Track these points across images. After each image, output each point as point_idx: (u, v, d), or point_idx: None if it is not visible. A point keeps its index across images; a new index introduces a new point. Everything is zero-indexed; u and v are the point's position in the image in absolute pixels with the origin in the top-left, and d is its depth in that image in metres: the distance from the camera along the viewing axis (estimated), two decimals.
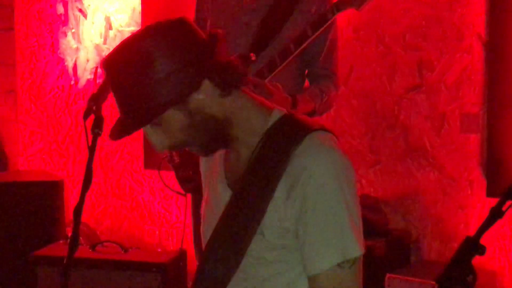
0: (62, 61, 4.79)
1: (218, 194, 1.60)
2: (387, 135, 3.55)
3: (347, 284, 1.45)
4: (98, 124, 2.07)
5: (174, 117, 1.44)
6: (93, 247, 3.32)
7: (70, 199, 4.35)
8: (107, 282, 3.20)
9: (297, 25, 2.83)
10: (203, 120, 1.47)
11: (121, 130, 1.49)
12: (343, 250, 1.42)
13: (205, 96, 1.46)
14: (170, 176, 3.19)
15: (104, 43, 4.58)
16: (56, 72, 4.83)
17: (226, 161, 1.61)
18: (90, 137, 2.04)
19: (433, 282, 2.80)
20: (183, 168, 3.11)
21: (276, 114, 1.53)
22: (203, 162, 1.76)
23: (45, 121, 4.79)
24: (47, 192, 4.03)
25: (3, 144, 5.14)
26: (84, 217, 1.96)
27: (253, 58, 2.71)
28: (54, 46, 4.82)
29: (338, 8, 2.77)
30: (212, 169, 1.67)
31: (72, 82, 4.74)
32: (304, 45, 2.74)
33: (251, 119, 1.53)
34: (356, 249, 1.43)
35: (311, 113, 2.83)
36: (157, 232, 4.21)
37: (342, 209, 1.43)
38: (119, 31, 4.51)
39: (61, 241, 3.70)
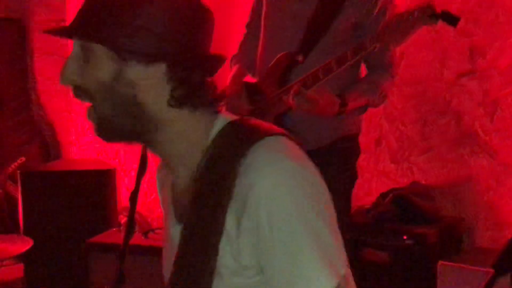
0: None
1: (169, 229, 1.40)
2: (439, 121, 3.52)
3: None
4: None
5: (103, 65, 1.23)
6: (145, 234, 3.44)
7: (122, 187, 4.47)
8: (158, 268, 3.34)
9: (349, 18, 2.81)
10: (126, 97, 1.25)
11: (59, 29, 1.34)
12: (330, 274, 1.19)
13: (146, 82, 1.25)
14: None
15: None
16: None
17: (173, 188, 1.40)
18: None
19: (485, 269, 2.76)
20: None
21: (219, 124, 1.31)
22: (159, 190, 1.55)
23: None
24: (100, 181, 4.14)
25: (56, 134, 5.23)
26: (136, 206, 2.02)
27: (301, 61, 2.79)
28: None
29: (378, 39, 2.71)
30: (164, 198, 1.47)
31: None
32: (345, 66, 2.69)
33: (187, 132, 1.30)
34: (340, 266, 1.21)
35: (365, 107, 2.86)
36: None
37: (301, 233, 1.19)
38: None
39: (114, 229, 3.81)
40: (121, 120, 1.25)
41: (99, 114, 1.25)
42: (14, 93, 5.12)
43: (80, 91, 1.24)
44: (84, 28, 1.23)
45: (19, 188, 4.20)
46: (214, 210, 1.22)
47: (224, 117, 1.33)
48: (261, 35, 3.01)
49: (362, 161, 3.49)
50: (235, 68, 3.07)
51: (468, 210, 3.49)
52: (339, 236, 1.26)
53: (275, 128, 1.34)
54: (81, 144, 5.01)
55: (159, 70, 1.22)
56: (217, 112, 1.34)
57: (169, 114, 1.25)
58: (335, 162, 2.88)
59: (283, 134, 1.32)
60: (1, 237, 3.44)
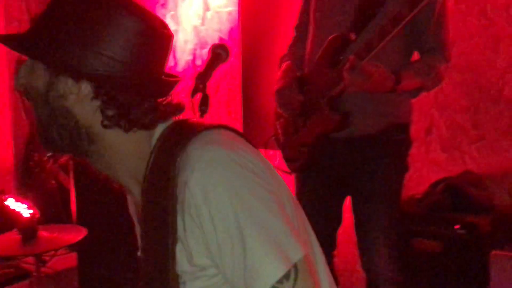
0: None
1: (139, 244, 1.39)
2: (491, 109, 3.49)
3: None
4: (204, 102, 2.11)
5: (40, 75, 1.25)
6: None
7: None
8: None
9: (399, 0, 2.73)
10: (58, 108, 1.26)
11: (9, 39, 1.31)
12: (278, 261, 1.16)
13: (76, 96, 1.24)
14: (274, 154, 3.26)
15: (202, 24, 4.62)
16: None
17: (134, 202, 1.41)
18: (197, 114, 2.08)
19: None
20: (288, 149, 3.13)
21: (158, 131, 1.31)
22: (130, 206, 1.54)
23: None
24: None
25: None
26: None
27: (353, 38, 2.77)
28: None
29: None
30: (132, 211, 1.51)
31: (172, 64, 4.78)
32: (402, 25, 2.65)
33: (127, 147, 1.30)
34: (293, 251, 1.18)
35: (419, 90, 2.83)
36: None
37: (243, 224, 1.16)
38: (216, 12, 4.54)
39: None
40: (57, 131, 1.26)
41: (38, 123, 1.28)
42: None
43: (28, 97, 1.27)
44: (23, 42, 1.25)
45: (72, 179, 4.23)
46: (164, 217, 1.21)
47: (163, 124, 1.31)
48: (311, 28, 3.02)
49: (412, 150, 3.41)
50: (284, 65, 3.09)
51: None
52: (290, 219, 1.24)
53: (214, 122, 1.31)
54: None
55: (86, 88, 1.22)
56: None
57: (103, 130, 1.25)
58: (389, 154, 2.89)
59: (221, 127, 1.30)
60: (55, 227, 3.47)
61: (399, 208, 3.03)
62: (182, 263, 1.22)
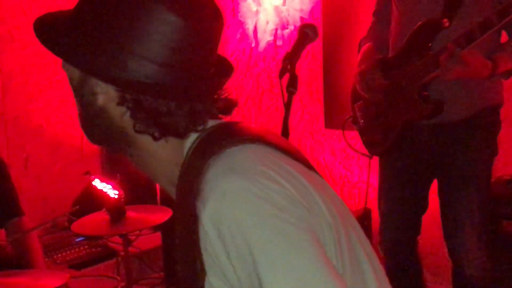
0: (242, 24, 4.87)
1: None
2: None
3: None
4: (293, 83, 2.08)
5: (72, 74, 1.22)
6: None
7: None
8: None
9: None
10: (91, 104, 1.22)
11: (47, 39, 1.24)
12: None
13: (106, 97, 1.20)
14: (352, 136, 3.24)
15: (283, 4, 4.58)
16: (237, 35, 4.91)
17: None
18: (286, 95, 2.06)
19: None
20: (369, 132, 3.14)
21: (191, 138, 1.21)
22: None
23: (227, 84, 5.10)
24: None
25: None
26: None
27: (446, 24, 2.74)
28: (234, 10, 4.89)
29: None
30: None
31: (253, 45, 4.81)
32: (509, 18, 2.61)
33: (160, 151, 1.23)
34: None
35: (510, 72, 2.79)
36: (339, 192, 4.33)
37: (263, 265, 1.07)
38: None
39: None
40: (94, 127, 1.24)
41: (79, 114, 1.26)
42: None
43: (70, 81, 1.24)
44: (53, 40, 1.22)
45: None
46: (189, 231, 1.14)
47: (195, 132, 1.22)
48: (394, 13, 3.01)
49: (503, 134, 3.39)
50: (365, 47, 3.08)
51: None
52: (324, 250, 1.12)
53: (249, 133, 1.20)
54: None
55: (110, 91, 1.17)
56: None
57: (136, 134, 1.20)
58: (479, 137, 2.89)
59: (254, 140, 1.19)
60: (141, 207, 3.52)
61: (489, 193, 3.00)
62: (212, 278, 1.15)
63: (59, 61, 1.25)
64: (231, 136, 1.19)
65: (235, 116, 1.29)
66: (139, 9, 1.15)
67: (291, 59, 2.24)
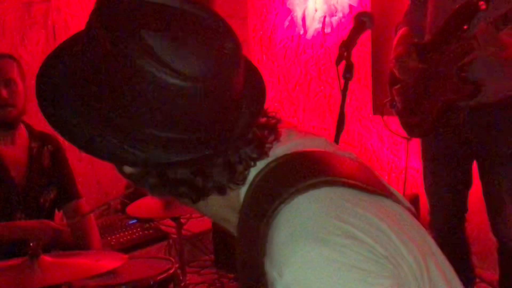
0: (291, 12, 4.88)
1: None
2: None
3: None
4: (349, 69, 2.14)
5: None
6: None
7: None
8: None
9: None
10: (155, 182, 1.16)
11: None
12: None
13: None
14: (394, 120, 3.27)
15: None
16: (285, 23, 4.93)
17: None
18: (342, 81, 2.14)
19: None
20: (408, 115, 3.15)
21: (248, 181, 1.14)
22: None
23: (275, 71, 5.06)
24: None
25: None
26: None
27: (483, 7, 2.74)
28: None
29: None
30: None
31: (301, 32, 4.81)
32: None
33: (216, 200, 1.16)
34: None
35: None
36: (386, 177, 4.34)
37: None
38: None
39: None
40: (162, 195, 1.17)
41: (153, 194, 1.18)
42: None
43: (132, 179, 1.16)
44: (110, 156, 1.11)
45: None
46: (253, 273, 1.09)
47: (255, 169, 1.14)
48: None
49: None
50: (401, 31, 3.10)
51: None
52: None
53: (318, 174, 1.11)
54: None
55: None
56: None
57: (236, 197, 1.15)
58: None
59: (324, 184, 1.09)
60: None
61: None
62: None
63: None
64: (300, 177, 1.10)
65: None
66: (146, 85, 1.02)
67: (347, 47, 2.31)
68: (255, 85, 1.19)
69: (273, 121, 1.20)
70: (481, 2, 2.74)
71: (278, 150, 1.17)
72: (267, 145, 1.16)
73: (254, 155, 1.14)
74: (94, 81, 1.08)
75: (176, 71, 1.00)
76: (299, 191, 1.07)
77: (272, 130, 1.19)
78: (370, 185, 1.14)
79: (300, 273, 1.01)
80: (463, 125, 2.98)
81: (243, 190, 1.14)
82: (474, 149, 3.02)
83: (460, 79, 2.87)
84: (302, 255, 1.02)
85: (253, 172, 1.14)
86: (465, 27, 2.81)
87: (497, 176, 2.98)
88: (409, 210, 1.22)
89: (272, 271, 1.04)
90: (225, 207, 1.18)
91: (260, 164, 1.14)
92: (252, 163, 1.13)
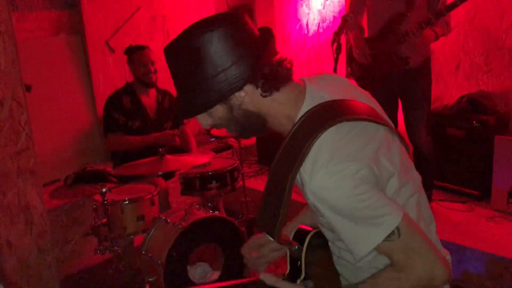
0: (299, 20, 4.83)
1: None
2: (497, 53, 3.59)
3: (405, 246, 1.06)
4: (338, 48, 2.21)
5: (217, 109, 1.14)
6: None
7: None
8: None
9: None
10: (241, 114, 1.16)
11: (180, 114, 1.20)
12: (375, 234, 1.05)
13: (246, 95, 1.13)
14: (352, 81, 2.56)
15: (323, 8, 4.57)
16: (296, 27, 4.84)
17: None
18: (335, 55, 2.13)
19: None
20: (362, 80, 3.05)
21: (305, 108, 1.14)
22: None
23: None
24: None
25: None
26: None
27: (408, 14, 2.80)
28: (295, 12, 4.82)
29: None
30: None
31: (305, 32, 4.80)
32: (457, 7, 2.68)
33: (284, 113, 1.16)
34: (389, 225, 1.05)
35: (440, 36, 2.90)
36: None
37: (354, 212, 1.04)
38: (332, 1, 4.46)
39: None
40: (245, 127, 1.19)
41: (231, 131, 1.22)
42: None
43: (216, 126, 1.21)
44: (187, 109, 1.16)
45: None
46: (286, 171, 1.08)
47: (310, 101, 1.15)
48: (367, 10, 3.07)
49: (447, 78, 3.78)
50: (354, 32, 3.03)
51: None
52: (387, 198, 1.08)
53: (352, 112, 1.11)
54: None
55: (249, 87, 1.14)
56: (298, 84, 1.18)
57: (266, 104, 1.16)
58: (424, 75, 3.11)
59: (355, 119, 1.11)
60: None
61: (430, 106, 3.20)
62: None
63: None
64: (334, 115, 1.09)
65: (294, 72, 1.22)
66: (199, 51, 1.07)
67: (338, 34, 2.35)
68: (266, 33, 1.17)
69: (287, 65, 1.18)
70: (408, 13, 2.86)
71: (323, 93, 1.15)
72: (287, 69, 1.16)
73: (283, 72, 1.15)
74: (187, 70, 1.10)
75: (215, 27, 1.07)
76: (342, 119, 1.09)
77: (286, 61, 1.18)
78: (373, 118, 1.14)
79: (326, 180, 1.03)
80: (395, 83, 3.05)
81: (299, 114, 1.13)
82: (400, 93, 3.12)
83: (396, 56, 2.93)
84: (332, 168, 1.03)
85: (307, 102, 1.14)
86: (398, 27, 2.89)
87: (415, 108, 3.07)
88: (398, 135, 1.21)
89: (304, 175, 1.06)
90: (284, 116, 1.16)
91: (314, 102, 1.13)
92: (286, 72, 1.15)
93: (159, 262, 2.56)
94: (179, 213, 2.80)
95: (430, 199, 3.34)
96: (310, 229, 1.21)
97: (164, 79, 3.38)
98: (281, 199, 1.09)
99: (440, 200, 3.48)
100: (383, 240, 1.06)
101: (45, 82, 3.89)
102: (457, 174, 3.51)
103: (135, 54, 3.42)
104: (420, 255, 1.07)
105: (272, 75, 1.13)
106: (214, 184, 3.04)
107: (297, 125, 1.13)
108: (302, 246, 1.17)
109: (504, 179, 3.18)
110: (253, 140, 4.66)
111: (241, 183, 3.43)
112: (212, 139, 4.55)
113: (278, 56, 1.15)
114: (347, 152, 1.06)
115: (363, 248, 1.07)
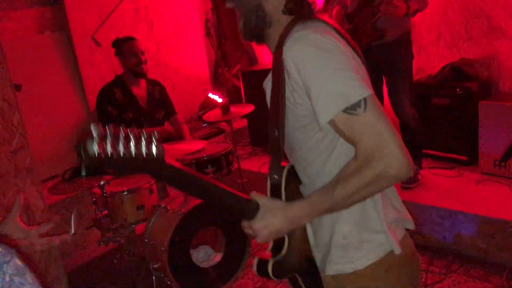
0: None
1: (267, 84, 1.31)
2: (476, 21, 3.63)
3: (368, 123, 1.02)
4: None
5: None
6: None
7: None
8: None
9: None
10: (255, 4, 1.20)
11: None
12: (343, 98, 1.03)
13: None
14: None
15: None
16: None
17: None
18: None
19: (507, 103, 2.94)
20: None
21: (295, 21, 1.19)
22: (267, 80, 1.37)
23: None
24: None
25: (255, 51, 5.06)
26: None
27: None
28: None
29: None
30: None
31: None
32: None
33: (284, 23, 1.19)
34: (357, 93, 1.04)
35: (416, 11, 2.95)
36: None
37: (324, 68, 1.04)
38: None
39: None
40: (254, 20, 1.22)
41: (241, 19, 1.25)
42: (231, 29, 5.16)
43: (236, 8, 1.25)
44: None
45: (240, 81, 4.55)
46: (278, 69, 1.13)
47: (302, 19, 1.19)
48: None
49: (429, 48, 3.81)
50: (336, 8, 3.10)
51: (494, 72, 3.60)
52: (359, 73, 1.08)
53: (325, 18, 1.20)
54: (269, 57, 4.74)
55: None
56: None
57: (279, 16, 1.20)
58: (404, 49, 3.15)
59: (325, 22, 1.19)
60: (237, 105, 3.61)
61: (412, 78, 3.24)
62: (287, 98, 1.15)
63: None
64: (314, 17, 1.19)
65: None
66: None
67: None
68: None
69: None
70: None
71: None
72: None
73: (312, 5, 1.20)
74: None
75: None
76: (310, 20, 1.17)
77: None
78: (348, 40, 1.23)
79: (296, 41, 1.10)
80: (375, 56, 3.09)
81: (290, 27, 1.17)
82: (382, 69, 3.17)
83: (373, 28, 3.00)
84: (301, 34, 1.10)
85: (294, 22, 1.18)
86: (373, 2, 2.97)
87: (397, 81, 3.13)
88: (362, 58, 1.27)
89: (284, 47, 1.12)
90: (278, 32, 1.19)
91: (297, 19, 1.19)
92: (311, 10, 1.19)
93: (162, 248, 2.61)
94: (178, 200, 2.84)
95: (420, 167, 3.38)
96: (285, 164, 1.25)
97: (150, 68, 3.52)
98: (279, 95, 1.13)
99: (430, 168, 3.53)
100: (347, 111, 1.04)
101: (35, 81, 3.90)
102: (444, 141, 3.54)
103: (125, 45, 3.41)
104: (383, 139, 1.01)
105: (300, 2, 1.17)
106: (210, 168, 3.06)
107: (282, 31, 1.18)
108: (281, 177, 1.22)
109: (490, 143, 3.21)
110: (244, 123, 4.71)
111: (236, 165, 3.47)
112: (204, 125, 4.61)
113: None
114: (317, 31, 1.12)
115: (330, 111, 1.05)
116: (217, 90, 4.87)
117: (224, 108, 3.44)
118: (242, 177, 3.63)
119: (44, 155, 3.90)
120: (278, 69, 1.12)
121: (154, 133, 0.96)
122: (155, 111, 3.55)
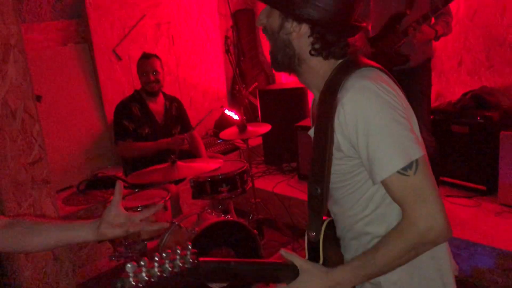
0: None
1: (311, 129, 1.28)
2: (499, 49, 3.64)
3: (416, 186, 1.03)
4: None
5: (274, 17, 1.17)
6: None
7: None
8: None
9: None
10: (283, 40, 1.18)
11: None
12: (401, 158, 1.04)
13: (294, 31, 1.16)
14: None
15: None
16: None
17: (314, 104, 1.33)
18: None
19: None
20: None
21: (338, 61, 1.18)
22: (312, 107, 1.38)
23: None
24: (296, 96, 4.36)
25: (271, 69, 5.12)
26: None
27: (408, 13, 2.90)
28: None
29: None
30: (312, 110, 1.36)
31: None
32: (447, 3, 2.77)
33: (318, 68, 1.18)
34: (414, 151, 1.05)
35: (440, 36, 2.95)
36: None
37: (386, 126, 1.04)
38: None
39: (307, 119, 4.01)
40: (281, 55, 1.20)
41: (272, 49, 1.23)
42: (249, 48, 5.21)
43: (265, 31, 1.23)
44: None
45: (257, 99, 4.57)
46: (327, 120, 1.11)
47: (346, 59, 1.20)
48: (372, 5, 3.09)
49: (449, 74, 3.79)
50: (359, 34, 2.90)
51: None
52: (414, 133, 1.09)
53: (373, 63, 1.19)
54: (286, 76, 4.87)
55: (305, 28, 1.16)
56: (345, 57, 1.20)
57: (309, 57, 1.19)
58: (424, 75, 3.11)
59: (376, 67, 1.17)
60: (254, 124, 3.64)
61: (430, 105, 3.24)
62: (336, 145, 1.13)
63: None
64: (364, 62, 1.17)
65: None
66: None
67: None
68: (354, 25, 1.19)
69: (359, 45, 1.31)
70: (408, 11, 2.90)
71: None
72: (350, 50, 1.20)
73: (345, 48, 1.19)
74: None
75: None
76: (364, 66, 1.15)
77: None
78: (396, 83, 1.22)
79: (359, 90, 1.07)
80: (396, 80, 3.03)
81: (334, 66, 1.17)
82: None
83: (396, 54, 2.97)
84: (363, 83, 1.08)
85: (337, 62, 1.18)
86: (397, 26, 2.94)
87: (415, 108, 2.93)
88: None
89: (342, 94, 1.09)
90: (322, 75, 1.19)
91: (343, 60, 1.19)
92: (342, 52, 1.18)
93: None
94: (191, 218, 2.80)
95: None
96: (325, 218, 1.24)
97: (169, 83, 3.48)
98: (325, 149, 1.13)
99: (447, 196, 3.45)
100: (400, 172, 1.04)
101: (55, 92, 3.91)
102: (463, 169, 3.49)
103: (139, 62, 3.47)
104: (428, 204, 1.04)
105: (329, 43, 1.16)
106: (224, 187, 3.05)
107: (329, 77, 1.17)
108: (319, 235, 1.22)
109: (510, 174, 3.15)
110: (259, 141, 4.71)
111: (250, 184, 3.44)
112: (219, 141, 4.60)
113: (352, 40, 1.19)
114: (373, 78, 1.11)
115: (387, 169, 1.05)
116: (233, 107, 4.90)
117: (241, 126, 3.45)
118: (256, 196, 3.60)
119: (59, 165, 3.91)
120: (326, 117, 1.12)
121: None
122: (172, 126, 3.57)
